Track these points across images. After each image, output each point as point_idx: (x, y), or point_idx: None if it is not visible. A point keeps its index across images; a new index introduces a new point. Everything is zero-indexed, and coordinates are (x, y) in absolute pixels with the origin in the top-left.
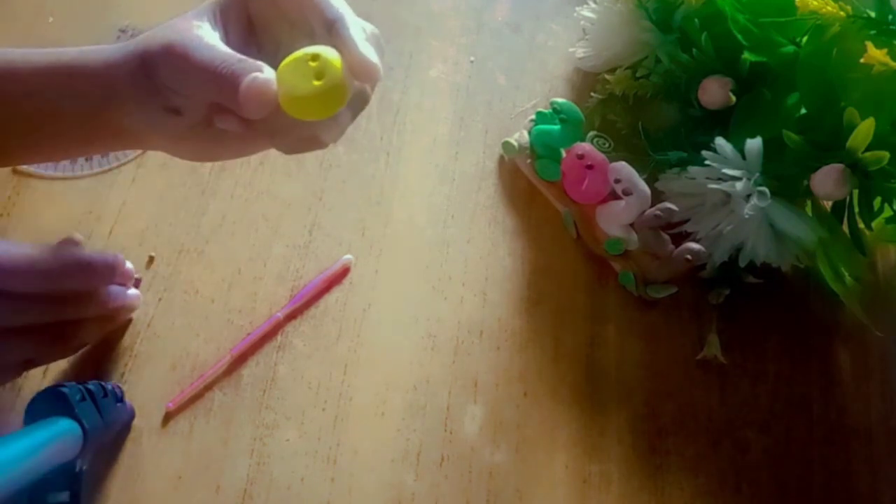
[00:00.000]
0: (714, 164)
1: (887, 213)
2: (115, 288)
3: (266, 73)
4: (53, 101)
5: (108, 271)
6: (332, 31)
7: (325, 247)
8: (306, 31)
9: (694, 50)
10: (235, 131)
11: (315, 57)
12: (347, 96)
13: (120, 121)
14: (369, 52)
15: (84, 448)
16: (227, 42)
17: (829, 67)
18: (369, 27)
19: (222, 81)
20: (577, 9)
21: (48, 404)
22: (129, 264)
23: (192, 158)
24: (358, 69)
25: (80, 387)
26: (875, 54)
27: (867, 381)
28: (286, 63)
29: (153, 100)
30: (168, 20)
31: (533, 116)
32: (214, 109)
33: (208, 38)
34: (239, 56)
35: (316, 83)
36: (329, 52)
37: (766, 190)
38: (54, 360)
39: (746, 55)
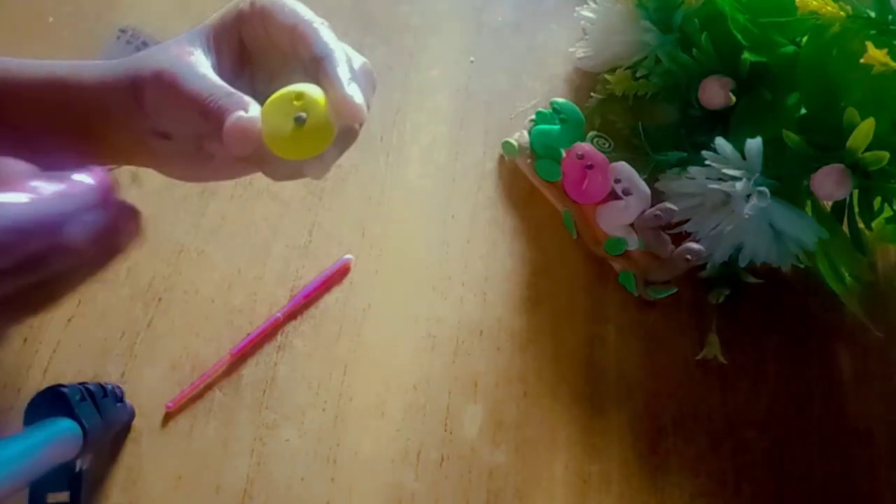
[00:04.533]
0: (714, 164)
1: (887, 213)
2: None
3: (251, 110)
4: (46, 114)
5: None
6: (319, 67)
7: (325, 247)
8: (297, 62)
9: (694, 50)
10: (224, 157)
11: (299, 96)
12: (332, 136)
13: (111, 139)
14: (354, 92)
15: (84, 448)
16: (221, 68)
17: (829, 67)
18: (360, 61)
19: (209, 115)
20: (577, 9)
21: (48, 404)
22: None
23: (181, 178)
24: (341, 109)
25: (80, 387)
26: (875, 54)
27: (867, 381)
28: (270, 101)
29: (142, 123)
30: (165, 41)
31: (533, 116)
32: (204, 134)
33: (200, 66)
34: (227, 90)
35: (299, 124)
36: (314, 91)
37: (766, 190)
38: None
39: (746, 55)
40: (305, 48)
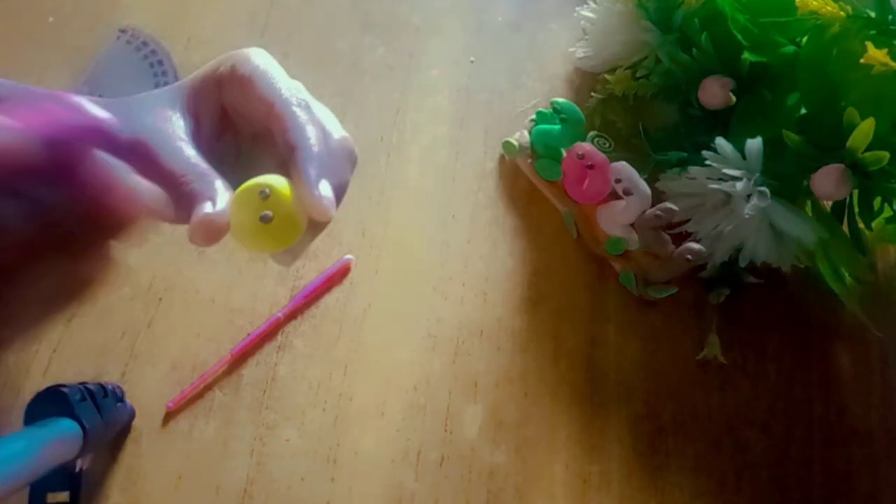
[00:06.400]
0: (714, 164)
1: (887, 213)
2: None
3: (220, 201)
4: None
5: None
6: (291, 156)
7: (325, 247)
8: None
9: (694, 50)
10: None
11: (265, 194)
12: (300, 231)
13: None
14: (324, 191)
15: (84, 448)
16: (199, 132)
17: (829, 67)
18: (338, 136)
19: (180, 197)
20: (577, 9)
21: (48, 404)
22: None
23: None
24: (309, 209)
25: (80, 387)
26: (875, 54)
27: (867, 381)
28: (237, 195)
29: None
30: (145, 91)
31: (533, 116)
32: (172, 200)
33: (177, 136)
34: (201, 169)
35: (265, 222)
36: (281, 186)
37: (766, 190)
38: None
39: (746, 55)
40: (279, 132)
